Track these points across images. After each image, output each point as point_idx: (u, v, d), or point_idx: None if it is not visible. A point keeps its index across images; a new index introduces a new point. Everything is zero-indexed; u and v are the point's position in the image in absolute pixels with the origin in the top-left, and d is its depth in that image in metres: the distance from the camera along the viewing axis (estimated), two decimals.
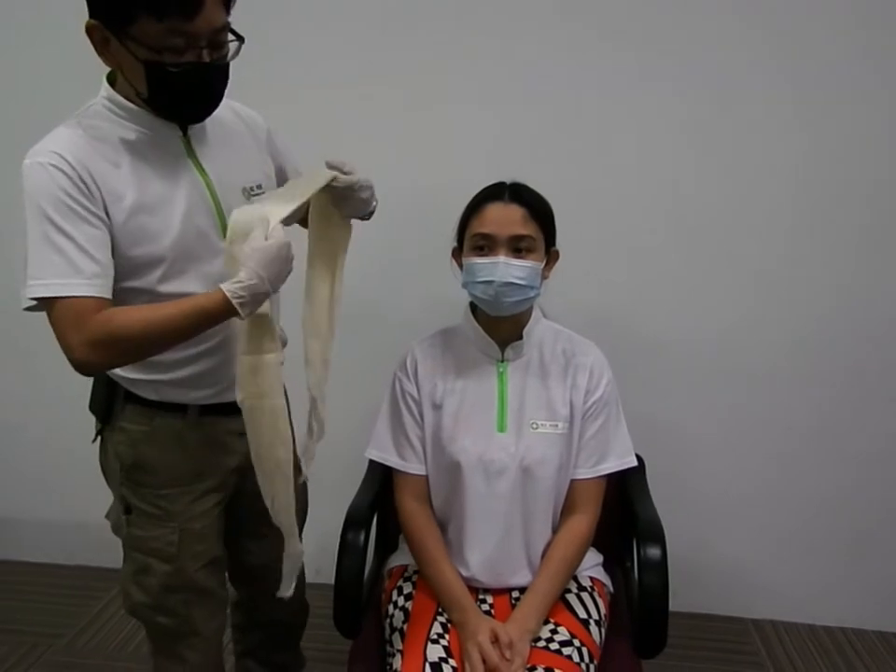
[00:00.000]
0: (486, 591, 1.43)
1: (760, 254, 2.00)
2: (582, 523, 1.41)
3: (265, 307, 1.15)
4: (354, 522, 1.44)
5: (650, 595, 1.38)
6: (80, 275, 1.10)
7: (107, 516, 1.41)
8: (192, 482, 1.34)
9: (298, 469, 1.35)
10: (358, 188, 1.28)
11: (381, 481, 1.53)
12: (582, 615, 1.39)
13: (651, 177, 1.96)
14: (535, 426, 1.39)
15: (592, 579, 1.50)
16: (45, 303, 1.10)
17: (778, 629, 2.23)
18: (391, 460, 1.45)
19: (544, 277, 1.40)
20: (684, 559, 1.83)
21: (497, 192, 1.39)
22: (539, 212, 1.38)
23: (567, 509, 1.43)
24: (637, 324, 2.04)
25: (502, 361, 1.43)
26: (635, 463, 1.46)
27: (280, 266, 1.12)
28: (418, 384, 1.44)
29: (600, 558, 1.57)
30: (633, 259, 1.99)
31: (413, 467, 1.44)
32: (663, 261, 2.02)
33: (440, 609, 1.37)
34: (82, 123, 1.16)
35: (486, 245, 1.35)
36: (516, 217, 1.34)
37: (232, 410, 1.24)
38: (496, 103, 1.90)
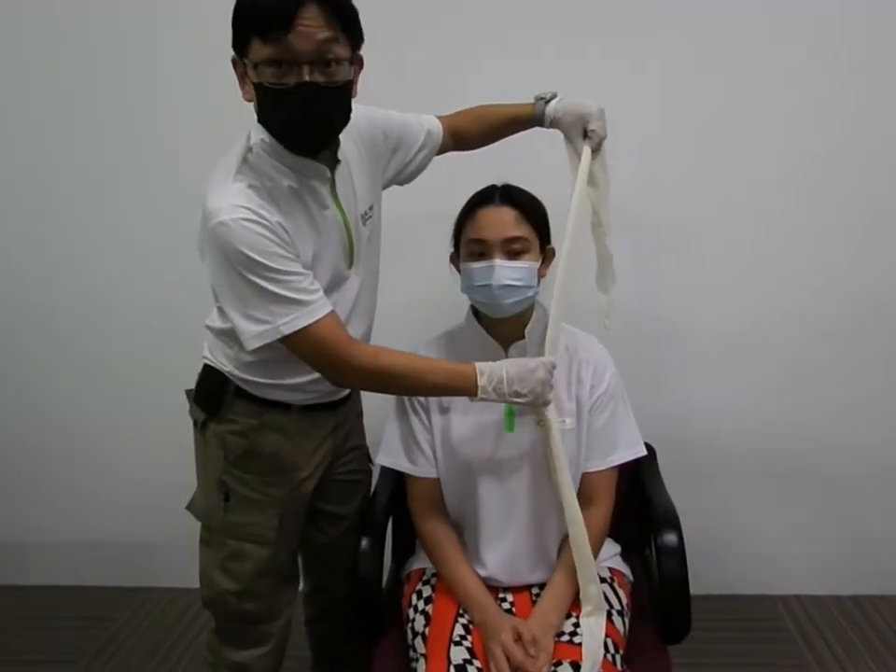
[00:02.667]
0: (506, 589, 1.43)
1: (773, 241, 2.02)
2: (597, 515, 1.41)
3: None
4: (369, 528, 1.46)
5: (669, 581, 1.39)
6: (311, 297, 1.20)
7: (189, 506, 1.46)
8: (293, 470, 1.41)
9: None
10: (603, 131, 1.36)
11: (393, 486, 1.54)
12: None
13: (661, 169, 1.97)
14: (541, 422, 1.37)
15: (611, 569, 1.50)
16: (297, 336, 1.19)
17: (805, 603, 2.23)
18: (402, 465, 1.46)
19: (542, 276, 1.40)
20: (706, 542, 1.84)
21: (488, 196, 1.40)
22: (532, 212, 1.39)
23: (580, 502, 1.40)
24: (646, 313, 2.05)
25: None
26: (644, 452, 1.46)
27: (531, 383, 1.23)
28: None
29: (618, 548, 1.57)
30: (636, 249, 1.99)
31: (425, 471, 1.44)
32: (669, 246, 2.03)
33: (461, 611, 1.38)
34: (252, 171, 1.20)
35: (482, 250, 1.36)
36: (508, 219, 1.35)
37: (326, 408, 1.43)
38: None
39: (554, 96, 1.42)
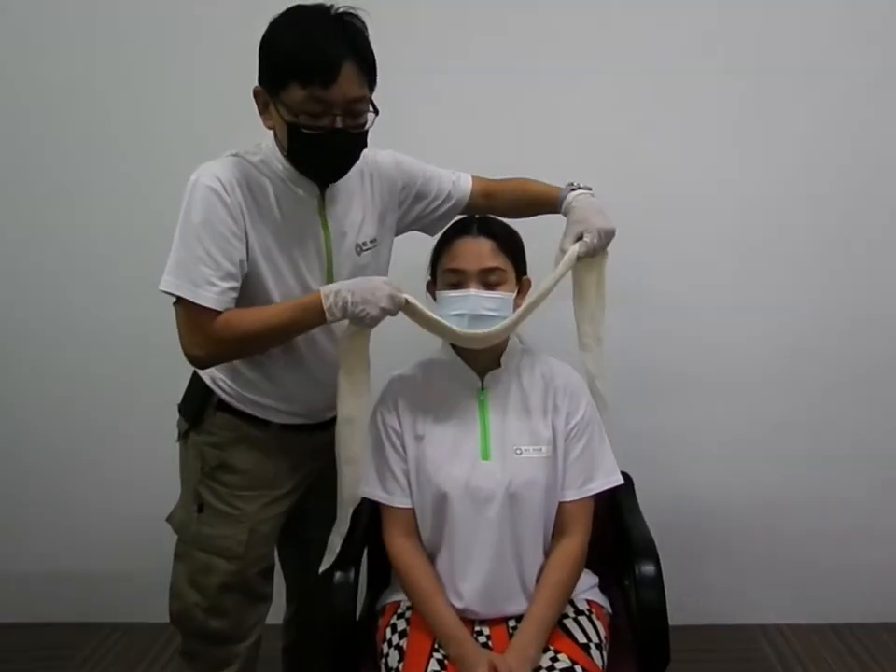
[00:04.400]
0: (482, 622, 1.41)
1: (758, 255, 2.04)
2: (574, 544, 1.40)
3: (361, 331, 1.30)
4: (343, 559, 1.44)
5: (648, 612, 1.38)
6: (212, 289, 1.25)
7: (169, 518, 1.49)
8: (268, 486, 1.46)
9: None
10: (599, 246, 1.36)
11: (369, 516, 1.52)
12: (582, 640, 1.37)
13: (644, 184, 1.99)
14: (519, 451, 1.39)
15: (589, 602, 1.48)
16: (178, 302, 1.27)
17: (786, 633, 2.22)
18: (377, 495, 1.44)
19: (517, 306, 1.40)
20: (685, 571, 1.82)
21: (466, 226, 1.42)
22: (508, 244, 1.40)
23: (557, 532, 1.42)
24: (620, 340, 1.99)
25: (482, 390, 1.44)
26: (621, 481, 1.45)
27: (369, 293, 1.25)
28: (399, 416, 1.45)
29: (596, 580, 1.56)
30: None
31: (399, 500, 1.43)
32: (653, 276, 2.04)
33: (436, 645, 1.36)
34: (248, 160, 1.32)
35: (458, 279, 1.37)
36: (485, 250, 1.37)
37: (307, 430, 1.47)
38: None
39: (584, 189, 1.44)
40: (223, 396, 1.44)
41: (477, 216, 1.45)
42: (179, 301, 1.27)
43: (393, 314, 1.29)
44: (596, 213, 1.38)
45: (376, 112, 1.30)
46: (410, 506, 1.44)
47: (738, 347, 2.08)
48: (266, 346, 1.36)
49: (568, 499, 1.41)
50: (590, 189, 1.45)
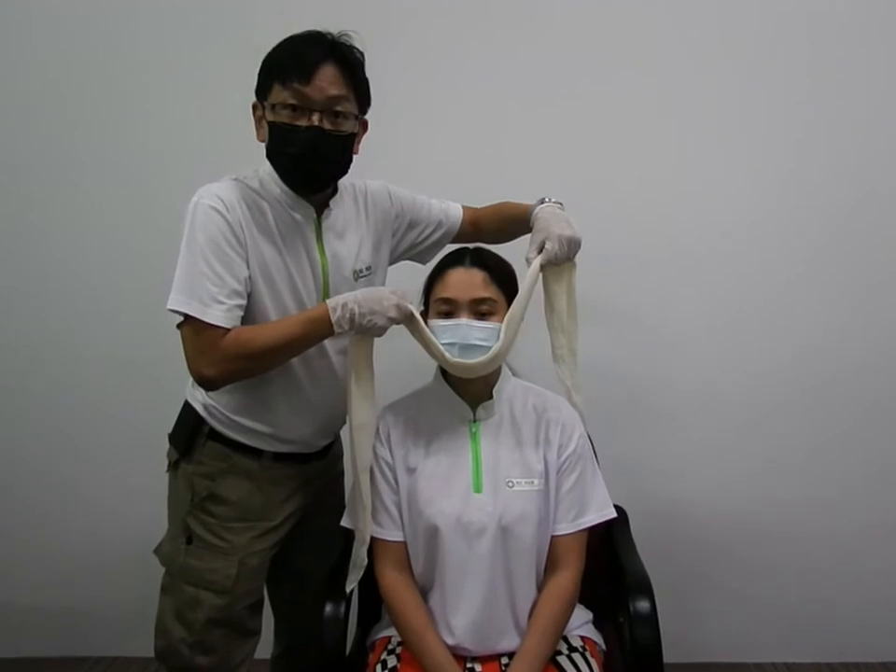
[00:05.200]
0: (474, 659, 1.39)
1: (754, 280, 2.03)
2: (567, 579, 1.38)
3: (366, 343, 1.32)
4: (334, 592, 1.41)
5: (643, 650, 1.36)
6: (219, 307, 1.25)
7: (157, 550, 1.47)
8: (258, 518, 1.43)
9: None
10: (562, 254, 1.35)
11: None
12: None
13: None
14: (511, 484, 1.38)
15: (583, 638, 1.46)
16: (185, 320, 1.27)
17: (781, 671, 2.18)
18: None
19: None
20: (680, 607, 1.78)
21: (458, 257, 1.43)
22: (500, 275, 1.41)
23: (549, 566, 1.40)
24: (615, 371, 2.04)
25: (474, 421, 1.43)
26: (614, 514, 1.44)
27: (376, 303, 1.27)
28: (391, 448, 1.44)
29: (590, 616, 1.53)
30: (603, 305, 1.99)
31: (391, 533, 1.41)
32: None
33: None
34: (247, 184, 1.35)
35: (449, 309, 1.37)
36: (477, 280, 1.37)
37: (300, 459, 1.45)
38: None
39: (555, 203, 1.45)
40: (215, 424, 1.43)
41: (471, 246, 1.46)
42: (186, 321, 1.27)
43: (400, 322, 1.32)
44: (558, 221, 1.37)
45: (365, 126, 1.35)
46: (402, 539, 1.42)
47: (734, 369, 2.06)
48: (276, 362, 1.35)
49: (561, 533, 1.40)
50: (560, 204, 1.45)
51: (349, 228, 1.46)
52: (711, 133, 1.95)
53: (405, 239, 1.58)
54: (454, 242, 1.60)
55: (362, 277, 1.46)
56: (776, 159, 1.97)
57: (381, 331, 1.31)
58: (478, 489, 1.37)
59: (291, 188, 1.36)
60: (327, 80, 1.27)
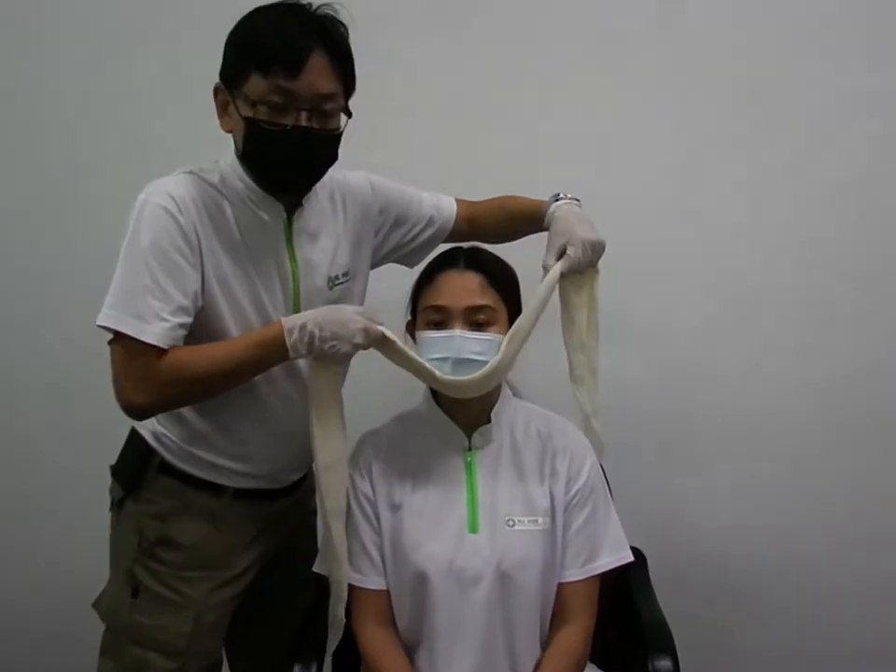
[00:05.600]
0: None
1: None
2: (576, 634, 1.27)
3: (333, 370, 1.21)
4: (303, 652, 1.31)
5: None
6: (160, 324, 1.13)
7: (95, 604, 1.35)
8: (217, 566, 1.33)
9: None
10: (585, 260, 1.27)
11: None
12: None
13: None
14: (511, 523, 1.27)
15: None
16: (116, 337, 1.14)
17: None
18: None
19: None
20: (704, 665, 1.63)
21: (452, 259, 1.33)
22: (500, 279, 1.31)
23: (556, 618, 1.29)
24: (635, 396, 1.89)
25: (469, 450, 1.32)
26: (631, 558, 1.32)
27: (340, 327, 1.15)
28: (373, 481, 1.32)
29: None
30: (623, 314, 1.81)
31: (372, 581, 1.30)
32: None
33: None
34: (205, 179, 1.22)
35: (441, 318, 1.28)
36: (473, 285, 1.28)
37: (267, 496, 1.35)
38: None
39: (571, 200, 1.35)
40: (166, 455, 1.31)
41: (466, 246, 1.36)
42: (118, 339, 1.14)
43: (368, 348, 1.21)
44: (580, 222, 1.28)
45: (349, 115, 1.21)
46: (384, 587, 1.30)
47: (773, 398, 1.90)
48: (219, 390, 1.22)
49: (569, 580, 1.29)
50: (577, 201, 1.36)
51: (324, 228, 1.33)
52: (743, 132, 1.84)
53: (390, 238, 1.45)
54: (446, 241, 1.48)
55: (338, 285, 1.34)
56: (826, 167, 1.83)
57: (345, 359, 1.21)
58: (473, 529, 1.27)
59: (266, 190, 1.23)
60: (316, 74, 1.14)
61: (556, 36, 1.83)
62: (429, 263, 1.35)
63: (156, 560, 1.29)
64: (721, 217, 1.85)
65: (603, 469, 1.37)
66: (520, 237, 1.46)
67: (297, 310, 1.28)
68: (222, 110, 1.21)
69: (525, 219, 1.41)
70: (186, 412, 1.26)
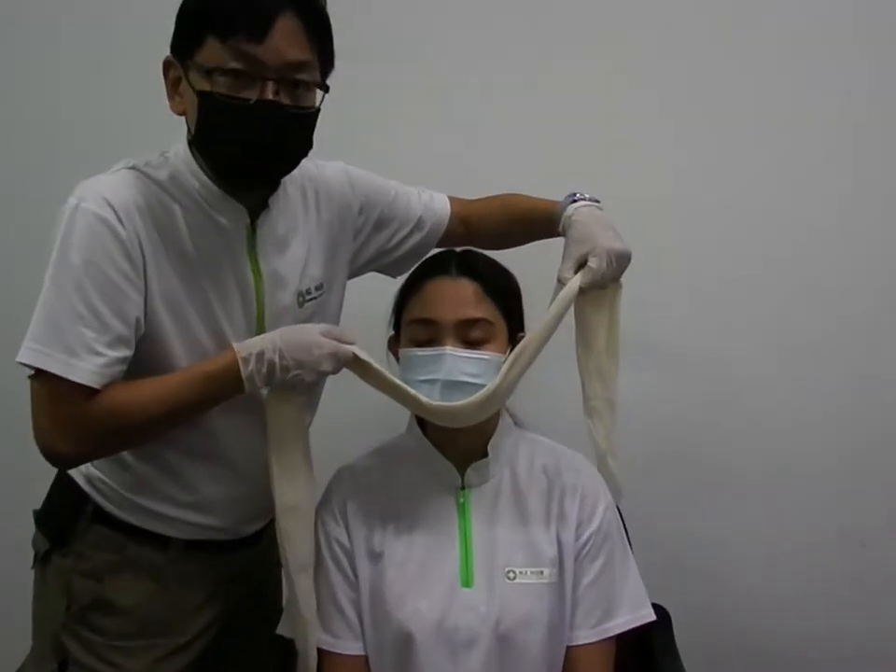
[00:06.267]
0: None
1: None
2: None
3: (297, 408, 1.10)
4: None
5: None
6: (94, 360, 1.00)
7: None
8: (162, 633, 1.20)
9: None
10: (609, 273, 1.15)
11: None
12: None
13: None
14: (512, 575, 1.18)
15: None
16: (38, 375, 1.01)
17: None
18: (316, 637, 1.19)
19: None
20: None
21: (441, 264, 1.23)
22: (498, 287, 1.22)
23: None
24: (657, 430, 1.77)
25: (462, 488, 1.23)
26: (652, 617, 1.22)
27: (303, 352, 1.04)
28: (348, 526, 1.22)
29: None
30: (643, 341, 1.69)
31: (347, 645, 1.19)
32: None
33: None
34: (150, 177, 1.07)
35: (429, 334, 1.19)
36: (466, 295, 1.19)
37: (223, 549, 1.22)
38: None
39: (591, 201, 1.23)
40: (102, 502, 1.18)
41: (458, 249, 1.26)
42: (38, 376, 1.00)
43: (337, 373, 1.09)
44: (604, 229, 1.16)
45: (325, 89, 1.08)
46: (361, 653, 1.20)
47: (819, 433, 1.77)
48: (161, 433, 1.11)
49: (580, 642, 1.19)
50: (598, 202, 1.23)
51: (294, 232, 1.18)
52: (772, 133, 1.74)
53: (371, 243, 1.31)
54: (438, 246, 1.35)
55: (310, 300, 1.21)
56: (870, 171, 1.72)
57: (310, 388, 1.11)
58: (467, 582, 1.17)
59: (225, 183, 1.09)
60: (286, 39, 1.00)
61: (560, 35, 1.75)
62: (416, 269, 1.25)
63: (88, 627, 1.17)
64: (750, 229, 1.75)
65: (620, 513, 1.27)
66: (525, 242, 1.34)
67: (261, 332, 1.15)
68: (173, 88, 1.06)
69: (535, 222, 1.29)
70: (125, 453, 1.14)
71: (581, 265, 1.15)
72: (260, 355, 1.03)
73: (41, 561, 1.21)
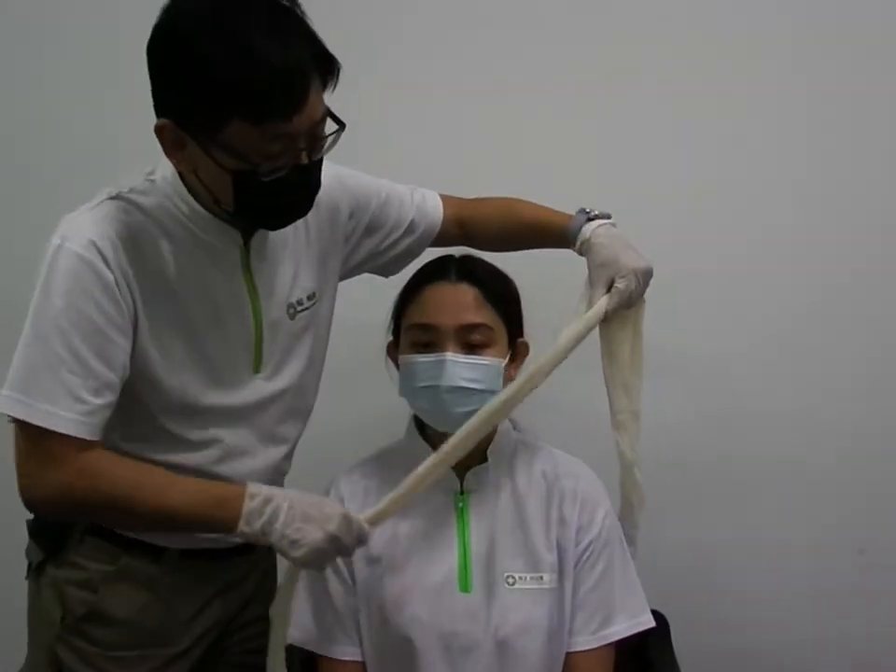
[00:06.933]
0: None
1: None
2: None
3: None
4: None
5: None
6: (77, 408, 0.97)
7: None
8: (158, 643, 1.18)
9: None
10: (637, 293, 1.15)
11: (301, 670, 1.24)
12: None
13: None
14: (511, 580, 1.18)
15: None
16: (19, 424, 0.98)
17: None
18: (312, 643, 1.20)
19: (510, 378, 1.21)
20: None
21: (440, 269, 1.23)
22: (498, 293, 1.22)
23: None
24: (656, 431, 1.71)
25: (461, 493, 1.22)
26: (652, 623, 1.22)
27: (312, 507, 1.00)
28: None
29: None
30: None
31: (345, 651, 1.19)
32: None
33: None
34: (136, 204, 1.02)
35: (429, 339, 1.18)
36: (466, 300, 1.19)
37: (217, 556, 1.19)
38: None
39: (604, 218, 1.21)
40: None
41: (457, 254, 1.26)
42: (21, 425, 0.97)
43: (347, 551, 1.05)
44: (625, 249, 1.14)
45: (342, 126, 1.01)
46: (358, 658, 1.19)
47: (830, 439, 1.74)
48: (138, 524, 1.07)
49: (579, 648, 1.19)
50: (609, 218, 1.21)
51: (285, 245, 1.16)
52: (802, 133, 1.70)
53: (362, 247, 1.28)
54: (431, 246, 1.33)
55: (302, 311, 1.17)
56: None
57: (306, 558, 1.00)
58: (465, 588, 1.17)
59: (233, 224, 1.06)
60: (314, 104, 0.94)
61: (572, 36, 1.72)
62: (415, 274, 1.24)
63: (84, 638, 1.14)
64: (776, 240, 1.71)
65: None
66: (524, 249, 1.32)
67: (258, 355, 1.12)
68: (175, 148, 0.97)
69: (541, 235, 1.27)
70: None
71: (609, 288, 1.14)
72: (269, 498, 0.99)
73: (35, 571, 1.19)
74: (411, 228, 1.28)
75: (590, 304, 1.15)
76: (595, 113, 1.72)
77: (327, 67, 0.94)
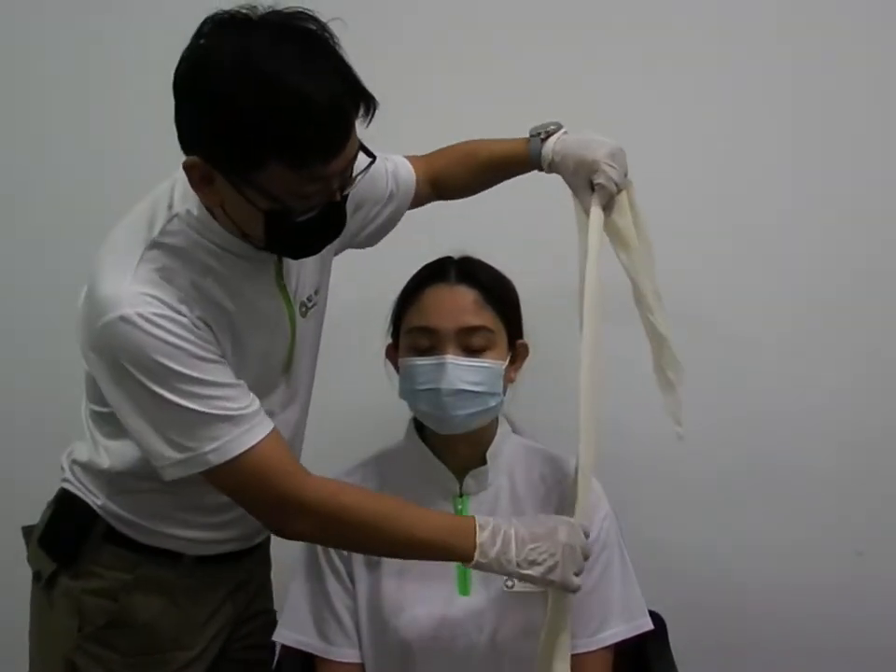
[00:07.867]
0: None
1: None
2: None
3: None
4: None
5: None
6: (253, 416, 0.99)
7: None
8: (174, 647, 1.18)
9: None
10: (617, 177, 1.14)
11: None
12: None
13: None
14: (510, 583, 1.16)
15: None
16: (229, 467, 0.98)
17: None
18: (311, 645, 1.19)
19: (509, 380, 1.21)
20: None
21: (440, 271, 1.22)
22: (498, 295, 1.21)
23: None
24: (657, 435, 1.67)
25: (461, 496, 1.22)
26: (650, 626, 1.21)
27: (537, 525, 1.04)
28: None
29: None
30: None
31: (343, 653, 1.18)
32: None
33: None
34: (172, 247, 0.99)
35: (429, 342, 1.18)
36: (466, 302, 1.18)
37: (230, 559, 1.20)
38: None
39: (556, 130, 1.21)
40: (116, 524, 1.14)
41: (456, 257, 1.24)
42: (235, 463, 0.97)
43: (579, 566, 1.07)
44: (586, 146, 1.15)
45: (374, 159, 1.01)
46: (357, 660, 1.19)
47: (803, 435, 1.73)
48: (370, 547, 1.11)
49: (578, 651, 1.18)
50: (561, 127, 1.21)
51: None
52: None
53: (350, 226, 1.25)
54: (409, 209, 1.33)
55: (312, 307, 1.17)
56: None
57: (553, 576, 1.03)
58: (465, 591, 1.17)
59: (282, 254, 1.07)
60: (351, 144, 0.93)
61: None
62: (414, 276, 1.24)
63: (104, 645, 1.13)
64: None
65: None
66: (493, 185, 1.32)
67: (291, 353, 1.13)
68: (203, 183, 0.94)
69: (504, 166, 1.26)
70: (141, 486, 1.10)
71: (592, 188, 1.15)
72: (496, 527, 1.02)
73: (45, 584, 1.16)
74: (390, 198, 1.26)
75: (585, 211, 1.16)
76: (596, 113, 1.68)
77: (365, 104, 0.92)
